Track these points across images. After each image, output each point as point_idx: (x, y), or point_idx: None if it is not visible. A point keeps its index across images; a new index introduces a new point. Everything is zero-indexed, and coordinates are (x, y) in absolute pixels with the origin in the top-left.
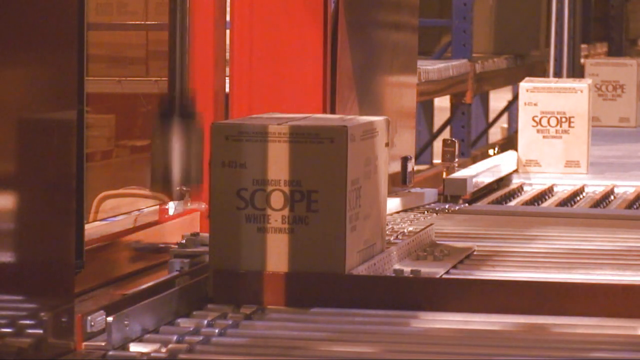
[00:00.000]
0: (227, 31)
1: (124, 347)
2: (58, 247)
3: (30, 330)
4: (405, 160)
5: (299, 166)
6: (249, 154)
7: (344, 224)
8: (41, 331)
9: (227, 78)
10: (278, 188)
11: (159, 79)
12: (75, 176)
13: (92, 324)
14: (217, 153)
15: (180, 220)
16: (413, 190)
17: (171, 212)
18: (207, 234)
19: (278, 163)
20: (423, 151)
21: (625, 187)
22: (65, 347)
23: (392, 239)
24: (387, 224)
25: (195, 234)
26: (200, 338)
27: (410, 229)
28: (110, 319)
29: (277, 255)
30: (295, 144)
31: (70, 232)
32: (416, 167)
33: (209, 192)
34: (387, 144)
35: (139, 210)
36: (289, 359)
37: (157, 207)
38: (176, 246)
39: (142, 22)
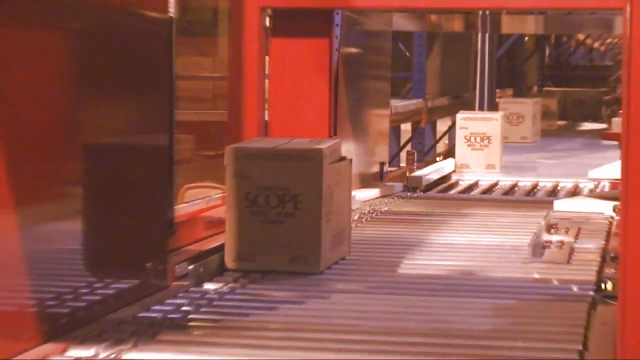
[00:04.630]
0: (266, 80)
1: (200, 285)
2: (159, 220)
3: (154, 262)
4: (382, 164)
5: (288, 177)
6: (252, 168)
7: (320, 218)
8: (147, 274)
9: (265, 111)
10: (273, 192)
11: (222, 111)
12: (168, 175)
13: (179, 270)
14: (230, 167)
15: None
16: (387, 184)
17: None
18: None
19: (273, 174)
20: (393, 158)
21: (524, 182)
22: (162, 285)
23: (374, 215)
24: (369, 205)
25: None
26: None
27: (385, 208)
28: (190, 267)
29: (274, 240)
30: (285, 161)
31: (167, 211)
32: (389, 169)
33: (227, 196)
34: (345, 158)
35: (209, 197)
36: None
37: (220, 194)
38: None
39: (211, 75)
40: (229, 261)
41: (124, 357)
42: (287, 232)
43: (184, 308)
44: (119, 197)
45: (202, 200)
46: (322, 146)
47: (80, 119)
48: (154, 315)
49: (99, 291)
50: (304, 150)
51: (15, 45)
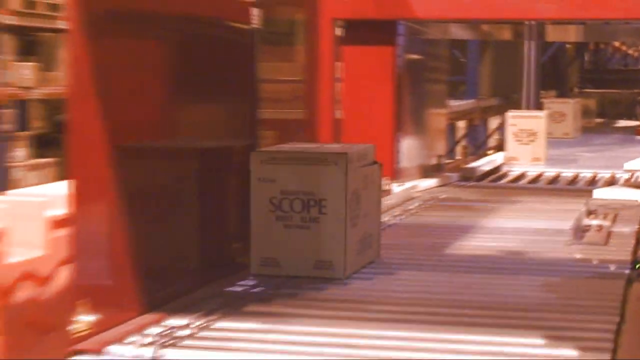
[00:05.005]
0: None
1: None
2: (244, 207)
3: (238, 244)
4: (440, 157)
5: (312, 181)
6: (277, 173)
7: (345, 223)
8: (233, 254)
9: (337, 111)
10: (298, 197)
11: (299, 110)
12: None
13: None
14: (255, 172)
15: None
16: (444, 174)
17: None
18: None
19: (297, 179)
20: (450, 152)
21: (566, 173)
22: (246, 263)
23: (433, 202)
24: (429, 193)
25: None
26: None
27: (443, 196)
28: None
29: (298, 245)
30: (309, 166)
31: None
32: (446, 161)
33: (251, 200)
34: (378, 163)
35: None
36: None
37: None
38: None
39: (289, 78)
40: (254, 266)
41: (213, 326)
42: (312, 237)
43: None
44: (214, 187)
45: None
46: (348, 151)
47: (178, 119)
48: (239, 289)
49: (193, 267)
50: (328, 155)
51: (124, 55)
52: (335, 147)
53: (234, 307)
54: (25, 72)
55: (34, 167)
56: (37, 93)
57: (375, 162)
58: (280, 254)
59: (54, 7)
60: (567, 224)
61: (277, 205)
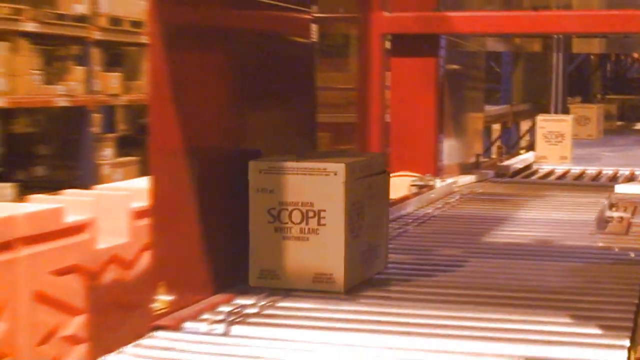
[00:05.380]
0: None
1: None
2: None
3: None
4: (477, 155)
5: (311, 192)
6: (276, 183)
7: (344, 234)
8: None
9: (385, 115)
10: (297, 208)
11: (352, 115)
12: None
13: None
14: (253, 182)
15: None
16: (481, 171)
17: None
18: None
19: (297, 190)
20: (486, 151)
21: (590, 170)
22: None
23: (471, 196)
24: (467, 188)
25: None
26: None
27: (480, 190)
28: None
29: (297, 256)
30: (309, 176)
31: None
32: (483, 159)
33: (249, 211)
34: (387, 172)
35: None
36: None
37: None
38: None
39: (343, 87)
40: (252, 279)
41: (277, 305)
42: (311, 249)
43: None
44: None
45: None
46: (348, 160)
47: (245, 122)
48: None
49: None
50: (327, 164)
51: (198, 65)
52: (339, 156)
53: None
54: (112, 81)
55: (119, 165)
56: (122, 100)
57: (383, 171)
58: (278, 266)
59: (137, 24)
60: (591, 216)
61: (275, 216)
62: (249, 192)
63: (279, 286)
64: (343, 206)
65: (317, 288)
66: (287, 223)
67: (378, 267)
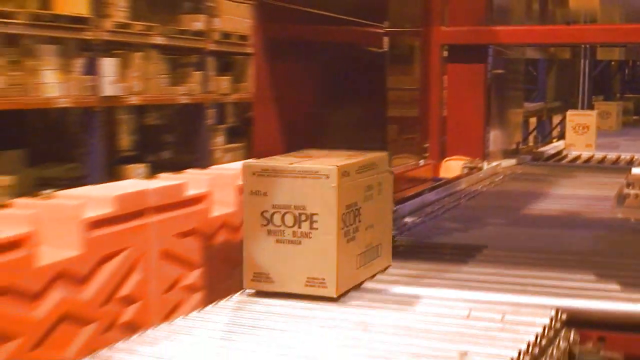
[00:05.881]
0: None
1: (403, 219)
2: None
3: None
4: (517, 143)
5: (304, 195)
6: (269, 186)
7: (336, 238)
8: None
9: (443, 111)
10: (289, 211)
11: (415, 110)
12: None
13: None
14: (247, 184)
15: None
16: (520, 156)
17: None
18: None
19: (289, 193)
20: (524, 140)
21: (611, 155)
22: None
23: (512, 176)
24: (509, 170)
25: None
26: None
27: (520, 172)
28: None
29: (290, 260)
30: (301, 179)
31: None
32: (521, 146)
33: (243, 213)
34: (390, 172)
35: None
36: None
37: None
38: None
39: (408, 87)
40: (246, 281)
41: None
42: (304, 252)
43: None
44: None
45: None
46: (342, 163)
47: (331, 118)
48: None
49: None
50: (318, 168)
51: (291, 70)
52: (337, 157)
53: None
54: (223, 83)
55: (228, 150)
56: (231, 98)
57: (387, 171)
58: (272, 270)
59: (243, 37)
60: (612, 193)
61: (269, 219)
62: (243, 195)
63: (272, 289)
64: (336, 210)
65: (309, 292)
66: (280, 226)
67: (380, 265)
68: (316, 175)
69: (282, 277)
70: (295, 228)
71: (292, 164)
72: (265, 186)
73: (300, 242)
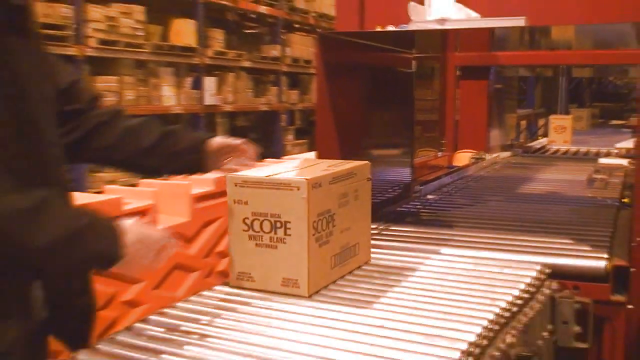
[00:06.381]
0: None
1: (425, 195)
2: (408, 166)
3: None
4: (512, 139)
5: (279, 205)
6: (249, 195)
7: (307, 244)
8: (400, 191)
9: (456, 116)
10: (267, 218)
11: (435, 115)
12: (411, 145)
13: (416, 188)
14: (230, 194)
15: (442, 158)
16: (514, 149)
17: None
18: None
19: (267, 202)
20: (517, 137)
21: (582, 149)
22: (407, 195)
23: (507, 164)
24: (505, 159)
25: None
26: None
27: (514, 161)
28: (421, 187)
29: (267, 262)
30: (276, 190)
31: (411, 160)
32: (514, 142)
33: (228, 219)
34: (368, 179)
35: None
36: None
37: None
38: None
39: (430, 98)
40: (232, 279)
41: (390, 228)
42: (279, 256)
43: (417, 206)
44: (392, 147)
45: (426, 157)
46: (312, 176)
47: (372, 122)
48: (401, 209)
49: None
50: (290, 180)
51: (344, 86)
52: (318, 168)
53: (400, 220)
54: (293, 96)
55: (296, 145)
56: (299, 107)
57: (366, 179)
58: (253, 270)
59: (308, 62)
60: (583, 177)
61: (249, 225)
62: (227, 203)
63: (253, 287)
64: (306, 218)
65: (285, 291)
66: (259, 232)
67: (357, 263)
68: (289, 187)
69: (262, 277)
70: (272, 234)
71: (268, 176)
72: (246, 196)
73: (276, 247)
